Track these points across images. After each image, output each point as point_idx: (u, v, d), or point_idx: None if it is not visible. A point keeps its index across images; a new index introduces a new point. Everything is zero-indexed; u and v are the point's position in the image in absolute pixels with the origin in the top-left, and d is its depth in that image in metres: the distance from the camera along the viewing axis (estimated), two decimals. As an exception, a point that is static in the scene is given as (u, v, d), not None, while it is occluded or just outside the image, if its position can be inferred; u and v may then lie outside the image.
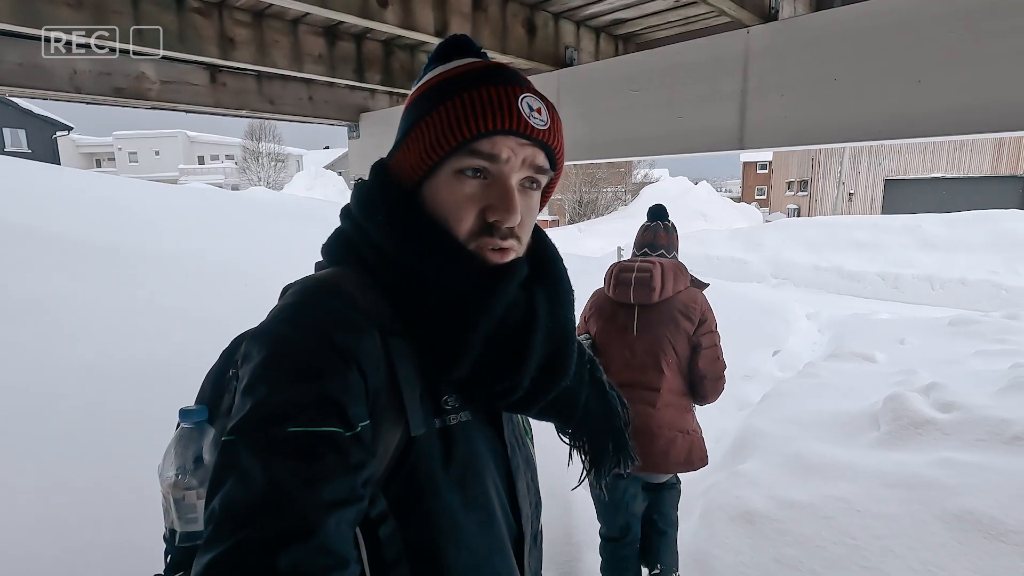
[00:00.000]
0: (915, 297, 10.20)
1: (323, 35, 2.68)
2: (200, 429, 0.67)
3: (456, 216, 0.65)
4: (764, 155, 41.12)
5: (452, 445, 0.65)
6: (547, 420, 0.80)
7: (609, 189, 29.93)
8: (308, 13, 2.25)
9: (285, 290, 0.67)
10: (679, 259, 2.20)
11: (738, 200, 38.34)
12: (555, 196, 28.83)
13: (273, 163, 34.73)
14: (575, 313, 0.77)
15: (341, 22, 2.55)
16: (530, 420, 0.84)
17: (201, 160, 42.83)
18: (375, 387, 0.60)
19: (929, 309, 8.87)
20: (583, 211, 29.17)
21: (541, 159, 0.68)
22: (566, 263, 0.78)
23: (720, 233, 14.54)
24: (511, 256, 0.68)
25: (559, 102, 2.54)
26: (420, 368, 0.65)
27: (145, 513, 1.15)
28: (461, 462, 0.66)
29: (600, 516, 2.22)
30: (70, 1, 1.93)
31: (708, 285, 2.23)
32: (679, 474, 2.27)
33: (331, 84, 3.43)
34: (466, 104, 0.63)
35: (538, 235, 0.76)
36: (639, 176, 33.01)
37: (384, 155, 0.74)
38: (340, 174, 32.42)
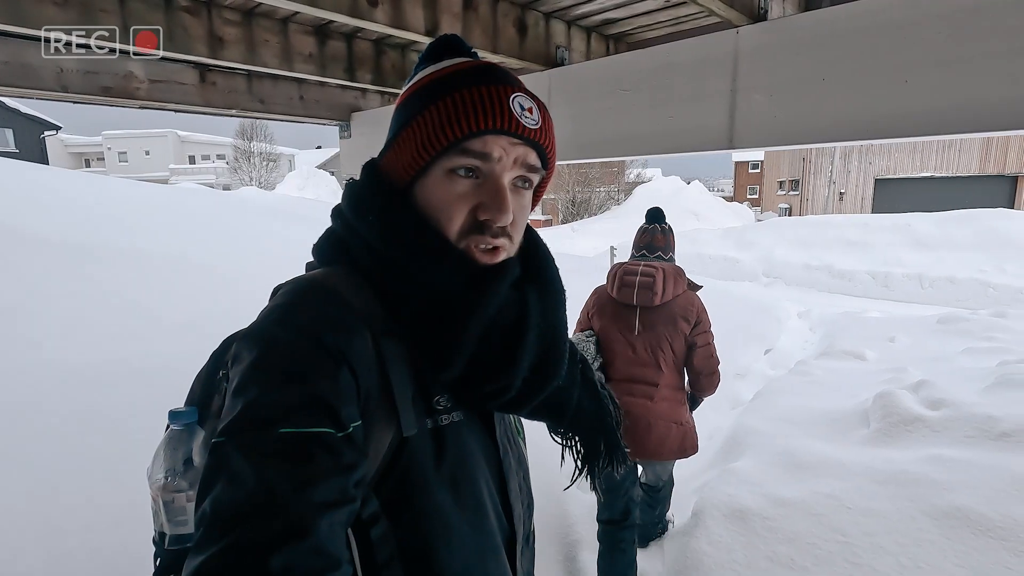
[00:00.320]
0: (905, 295, 10.30)
1: (313, 34, 2.67)
2: (190, 431, 0.67)
3: (447, 215, 0.65)
4: (756, 155, 41.43)
5: (444, 445, 0.65)
6: (539, 420, 0.80)
7: (602, 189, 29.96)
8: (298, 12, 2.24)
9: (276, 290, 0.66)
10: (676, 260, 2.36)
11: (730, 199, 38.60)
12: (548, 195, 28.87)
13: (265, 163, 34.53)
14: (567, 313, 0.77)
15: (331, 21, 2.54)
16: (522, 420, 0.84)
17: (192, 160, 42.51)
18: (367, 388, 0.60)
19: (919, 307, 8.96)
20: (576, 211, 29.20)
21: (533, 158, 0.68)
22: (559, 263, 0.78)
23: (712, 232, 14.61)
24: (502, 256, 0.68)
25: (550, 102, 2.55)
26: (412, 368, 0.65)
27: (135, 516, 1.14)
28: (453, 462, 0.65)
29: (600, 502, 2.32)
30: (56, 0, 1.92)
31: (701, 287, 2.40)
32: (673, 473, 2.59)
33: (322, 83, 3.41)
34: (457, 103, 0.63)
35: (530, 235, 0.76)
36: (632, 176, 33.07)
37: (375, 155, 0.73)
38: (332, 174, 32.26)
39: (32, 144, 25.97)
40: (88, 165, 41.61)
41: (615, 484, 2.24)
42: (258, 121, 31.84)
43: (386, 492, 0.61)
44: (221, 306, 3.18)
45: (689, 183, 29.98)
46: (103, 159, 41.14)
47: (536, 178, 0.70)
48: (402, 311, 0.65)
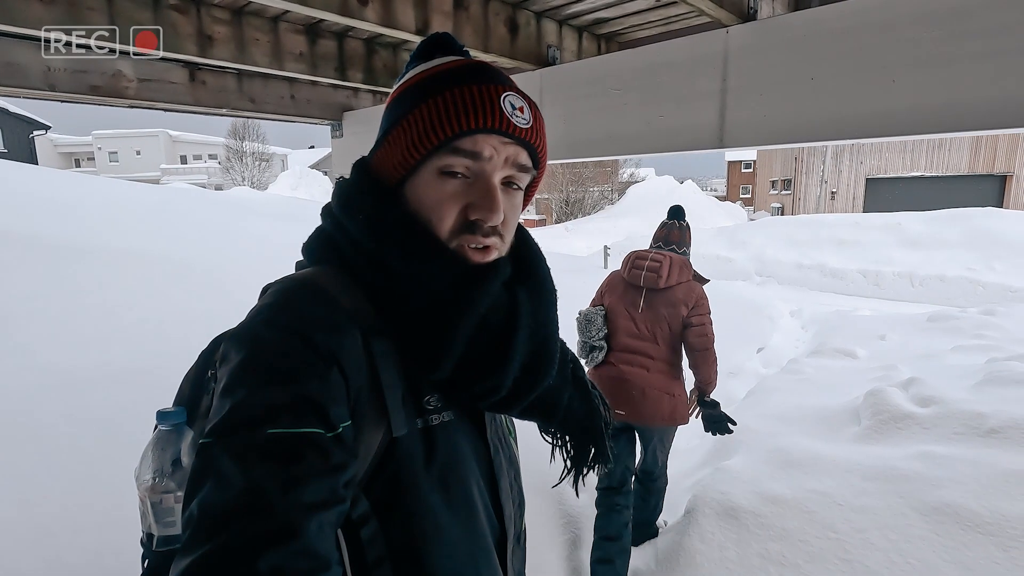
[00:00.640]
0: (895, 294, 10.39)
1: (304, 33, 2.66)
2: (178, 431, 0.66)
3: (438, 215, 0.65)
4: (749, 154, 41.61)
5: (434, 445, 0.65)
6: (530, 420, 0.79)
7: (596, 188, 30.00)
8: (288, 11, 2.23)
9: (265, 290, 0.66)
10: (689, 256, 2.63)
11: (723, 199, 38.72)
12: (542, 195, 28.89)
13: (257, 163, 34.33)
14: (558, 313, 0.77)
15: (322, 20, 2.54)
16: (513, 419, 0.84)
17: (184, 160, 42.23)
18: (356, 387, 0.59)
19: (909, 306, 9.03)
20: (570, 210, 29.22)
21: (524, 158, 0.68)
22: (553, 262, 0.78)
23: (705, 231, 14.65)
24: (493, 255, 0.67)
25: (541, 101, 2.55)
26: (402, 368, 0.64)
27: (123, 518, 1.13)
28: (443, 462, 0.65)
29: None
30: (44, -2, 1.90)
31: (708, 281, 2.67)
32: (667, 473, 2.74)
33: (313, 83, 3.40)
34: (448, 102, 0.63)
35: (521, 235, 0.76)
36: (625, 176, 33.14)
37: (367, 154, 0.73)
38: (326, 174, 32.13)
39: (21, 144, 25.66)
40: (78, 165, 41.25)
41: (615, 456, 2.31)
42: (250, 121, 31.71)
43: (376, 492, 0.60)
44: (211, 307, 3.16)
45: (682, 183, 30.09)
46: (93, 159, 40.79)
47: (527, 178, 0.70)
48: (392, 310, 0.65)
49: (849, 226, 12.32)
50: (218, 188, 28.86)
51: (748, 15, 1.99)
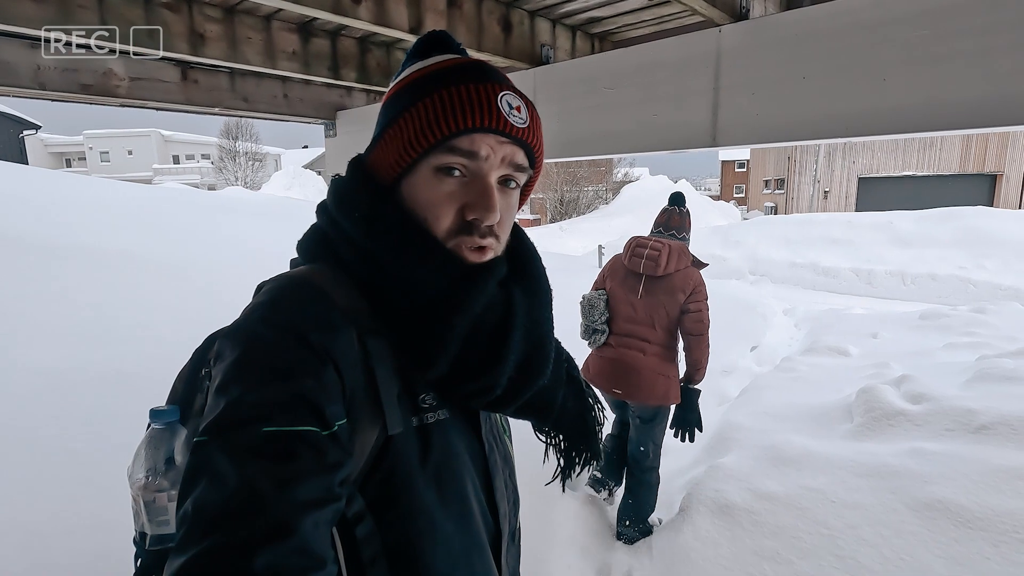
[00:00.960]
0: (887, 292, 10.45)
1: (297, 32, 2.64)
2: (172, 429, 0.66)
3: (434, 214, 0.65)
4: (742, 154, 41.78)
5: (429, 443, 0.65)
6: (524, 418, 0.79)
7: (590, 188, 30.01)
8: (281, 9, 2.22)
9: (259, 287, 0.65)
10: (689, 241, 2.74)
11: (717, 198, 38.91)
12: (536, 194, 28.84)
13: (251, 162, 34.13)
14: (553, 312, 0.77)
15: (315, 18, 2.53)
16: (508, 418, 0.84)
17: (176, 160, 41.93)
18: (352, 386, 0.59)
19: (901, 304, 9.09)
20: (564, 210, 29.21)
21: (520, 157, 0.67)
22: (547, 261, 0.78)
23: (700, 230, 14.69)
24: (489, 255, 0.67)
25: (535, 100, 2.55)
26: (397, 366, 0.64)
27: (116, 519, 1.13)
28: (438, 460, 0.65)
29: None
30: (34, -4, 1.88)
31: (707, 265, 2.78)
32: (660, 471, 2.75)
33: (306, 81, 3.39)
34: (445, 101, 0.63)
35: (517, 234, 0.76)
36: (620, 175, 33.14)
37: (361, 153, 0.73)
38: (319, 173, 32.00)
39: (10, 144, 25.38)
40: (69, 165, 40.88)
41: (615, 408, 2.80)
42: (243, 120, 31.54)
43: (371, 490, 0.60)
44: (203, 307, 3.14)
45: (676, 182, 30.14)
46: (84, 159, 40.43)
47: (523, 177, 0.70)
48: (387, 309, 0.64)
49: (842, 225, 12.38)
50: (211, 188, 28.72)
51: (740, 14, 2.00)
